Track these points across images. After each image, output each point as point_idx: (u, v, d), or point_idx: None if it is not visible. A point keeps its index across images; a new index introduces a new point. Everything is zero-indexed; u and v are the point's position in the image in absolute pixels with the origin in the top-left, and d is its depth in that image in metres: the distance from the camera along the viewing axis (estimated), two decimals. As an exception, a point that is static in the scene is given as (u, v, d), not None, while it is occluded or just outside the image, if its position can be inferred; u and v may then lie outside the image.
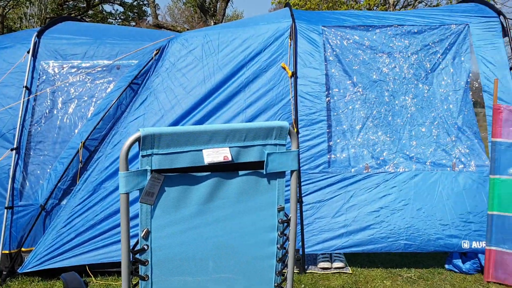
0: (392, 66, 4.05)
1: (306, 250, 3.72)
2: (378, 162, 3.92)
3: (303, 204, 3.76)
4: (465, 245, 3.72)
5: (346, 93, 4.00)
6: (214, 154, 1.73)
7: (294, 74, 3.87)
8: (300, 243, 3.73)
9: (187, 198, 1.74)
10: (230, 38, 4.00)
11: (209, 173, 1.76)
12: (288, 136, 1.88)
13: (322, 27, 4.05)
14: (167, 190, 1.70)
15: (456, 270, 3.80)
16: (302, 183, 3.79)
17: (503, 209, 3.45)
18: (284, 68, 3.88)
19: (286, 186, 1.94)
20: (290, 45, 3.93)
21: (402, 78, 4.04)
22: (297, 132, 3.81)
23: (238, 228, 1.85)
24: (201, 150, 1.72)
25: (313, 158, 3.82)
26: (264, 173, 1.86)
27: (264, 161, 1.84)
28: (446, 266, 3.88)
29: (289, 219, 1.92)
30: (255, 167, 1.86)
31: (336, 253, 3.96)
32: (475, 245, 3.72)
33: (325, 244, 3.74)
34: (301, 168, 3.80)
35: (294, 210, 1.92)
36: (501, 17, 4.12)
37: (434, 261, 4.04)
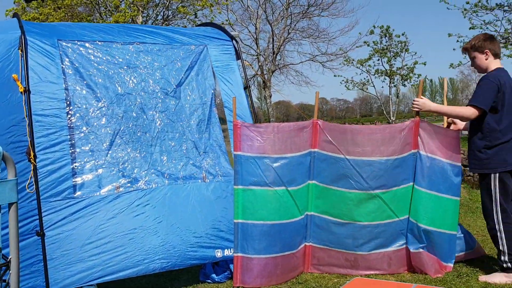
0: (139, 80, 3.97)
1: (52, 289, 3.29)
2: (130, 180, 3.76)
3: (45, 237, 3.32)
4: (219, 254, 3.87)
5: (90, 109, 3.73)
6: None
7: (27, 90, 3.40)
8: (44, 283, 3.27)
9: None
10: None
11: None
12: (3, 163, 1.57)
13: (58, 41, 3.70)
14: None
15: (210, 281, 3.91)
16: (44, 214, 3.33)
17: (246, 217, 3.71)
18: (15, 81, 3.38)
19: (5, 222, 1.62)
20: (21, 56, 3.46)
21: (149, 93, 3.99)
22: (35, 157, 3.35)
23: None
24: None
25: (55, 184, 3.41)
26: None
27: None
28: (200, 278, 3.97)
29: (9, 262, 1.60)
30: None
31: (87, 285, 3.62)
32: (227, 253, 3.89)
33: (75, 278, 3.36)
34: (41, 197, 3.34)
35: (16, 250, 1.60)
36: (234, 41, 4.52)
37: (189, 275, 4.10)
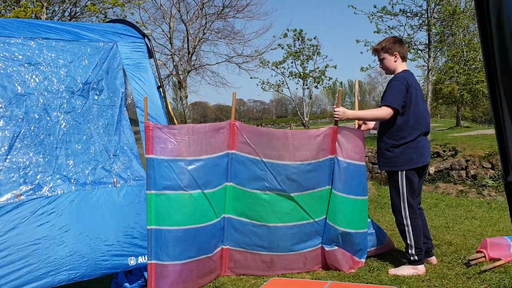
0: (41, 78, 3.68)
1: None
2: (32, 187, 3.47)
3: None
4: (132, 262, 3.69)
5: (-16, 111, 3.40)
6: None
7: None
8: None
9: None
10: None
11: None
12: None
13: None
14: None
15: (122, 290, 3.74)
16: None
17: (159, 222, 3.56)
18: None
19: None
20: None
21: (53, 92, 3.71)
22: None
23: None
24: None
25: None
26: None
27: None
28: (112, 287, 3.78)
29: None
30: None
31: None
32: (141, 260, 3.72)
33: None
34: None
35: None
36: (146, 39, 4.35)
37: (101, 285, 3.88)
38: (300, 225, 3.91)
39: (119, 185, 3.79)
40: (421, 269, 3.71)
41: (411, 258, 3.72)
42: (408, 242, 3.73)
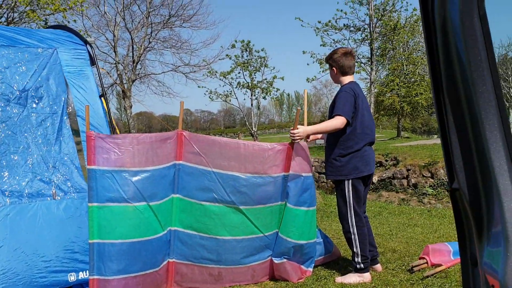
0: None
1: None
2: (-38, 201, 3.24)
3: None
4: (72, 278, 3.52)
5: None
6: None
7: None
8: None
9: None
10: None
11: None
12: None
13: None
14: None
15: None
16: None
17: (102, 236, 3.40)
18: None
19: None
20: None
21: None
22: None
23: None
24: None
25: None
26: None
27: None
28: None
29: None
30: None
31: None
32: (82, 275, 3.56)
33: None
34: None
35: None
36: (88, 46, 4.20)
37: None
38: (249, 239, 3.86)
39: (59, 198, 3.60)
40: (367, 276, 3.77)
41: (357, 266, 3.77)
42: (354, 250, 3.78)
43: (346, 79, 3.90)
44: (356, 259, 3.78)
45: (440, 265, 3.76)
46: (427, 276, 3.61)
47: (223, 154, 3.74)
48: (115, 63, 23.52)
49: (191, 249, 3.83)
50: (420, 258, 3.98)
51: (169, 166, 3.70)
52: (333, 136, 3.83)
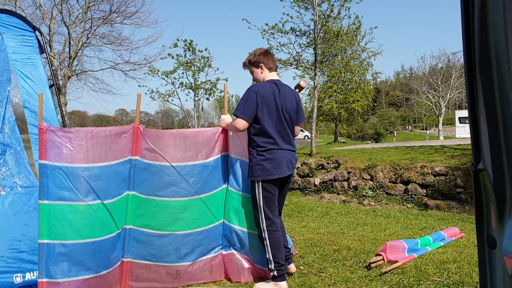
0: None
1: None
2: None
3: None
4: (18, 279, 3.26)
5: None
6: None
7: None
8: None
9: None
10: None
11: None
12: None
13: None
14: None
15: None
16: None
17: (53, 236, 3.15)
18: None
19: None
20: None
21: None
22: None
23: None
24: None
25: None
26: None
27: None
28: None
29: None
30: None
31: None
32: (29, 277, 3.30)
33: None
34: None
35: None
36: (37, 32, 3.92)
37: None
38: (208, 229, 3.81)
39: (4, 193, 3.32)
40: (283, 286, 3.52)
41: (271, 273, 3.53)
42: (267, 256, 3.55)
43: (270, 77, 3.77)
44: (269, 266, 3.53)
45: (396, 261, 3.85)
46: (385, 272, 3.68)
47: (179, 146, 3.65)
48: (49, 58, 22.34)
49: (147, 248, 3.67)
50: (377, 255, 4.06)
51: (124, 161, 3.53)
52: (248, 136, 3.68)
